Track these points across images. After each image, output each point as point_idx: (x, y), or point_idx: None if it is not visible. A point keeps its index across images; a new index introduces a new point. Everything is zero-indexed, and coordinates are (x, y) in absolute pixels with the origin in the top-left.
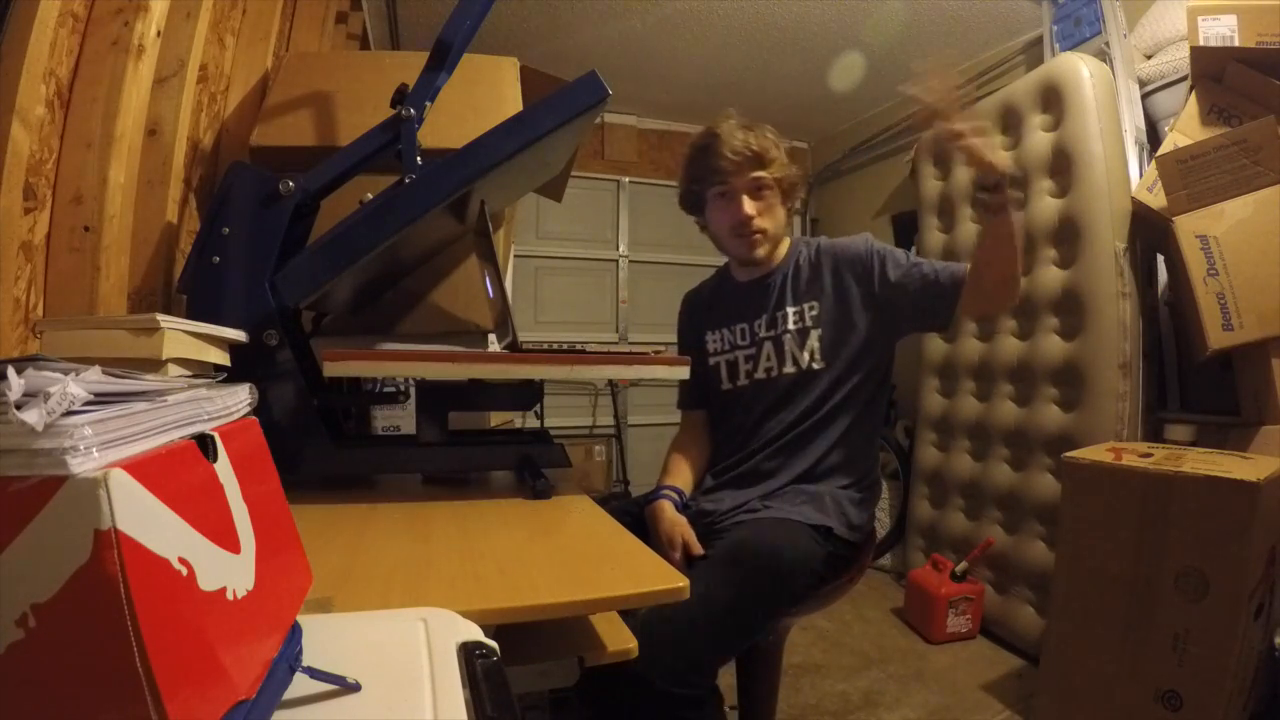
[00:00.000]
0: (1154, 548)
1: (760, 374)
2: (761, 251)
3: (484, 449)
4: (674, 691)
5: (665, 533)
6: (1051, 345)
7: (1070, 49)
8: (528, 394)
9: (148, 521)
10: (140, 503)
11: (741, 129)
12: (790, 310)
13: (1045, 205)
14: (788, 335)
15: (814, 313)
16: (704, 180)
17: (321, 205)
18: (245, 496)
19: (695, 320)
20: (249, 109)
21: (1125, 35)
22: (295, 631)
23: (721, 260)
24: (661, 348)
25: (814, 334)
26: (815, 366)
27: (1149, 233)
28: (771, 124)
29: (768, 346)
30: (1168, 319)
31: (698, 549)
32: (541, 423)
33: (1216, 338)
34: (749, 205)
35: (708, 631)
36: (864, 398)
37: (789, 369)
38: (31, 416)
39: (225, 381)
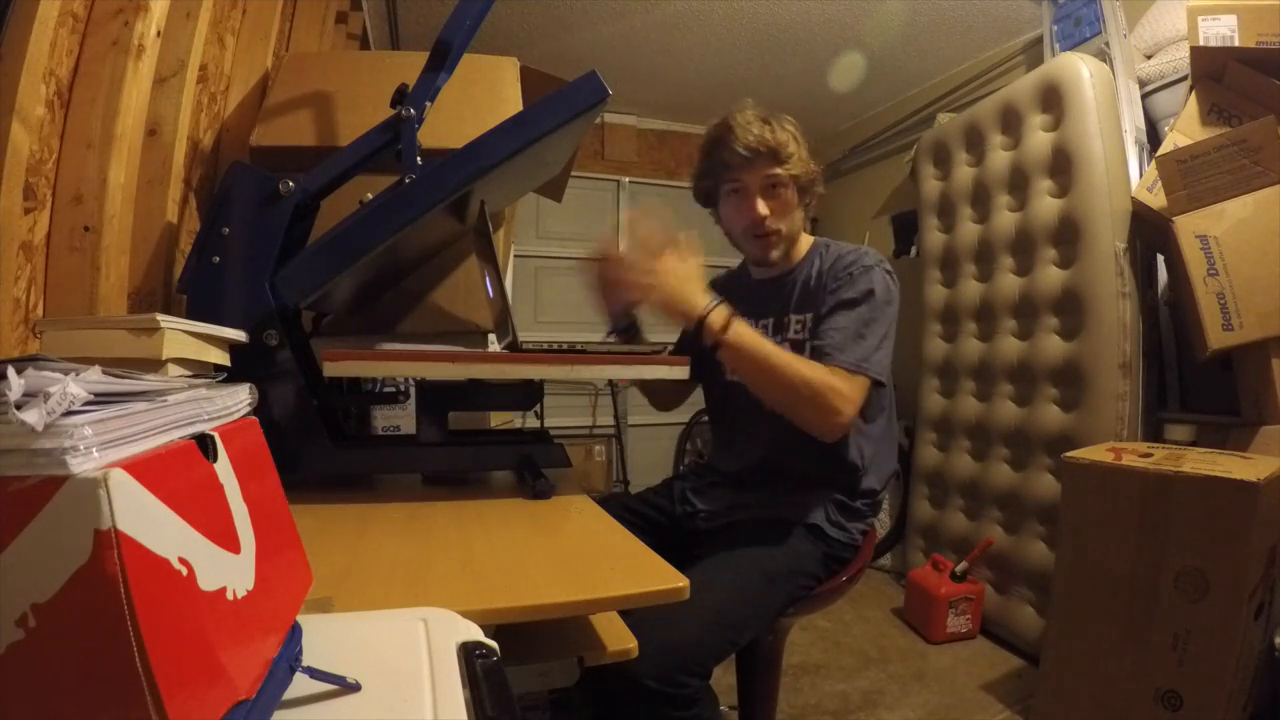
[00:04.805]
0: (1154, 548)
1: None
2: (776, 254)
3: (484, 449)
4: (664, 691)
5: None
6: (1051, 345)
7: (1070, 49)
8: (528, 394)
9: (148, 521)
10: (140, 503)
11: (759, 121)
12: (794, 318)
13: (1045, 205)
14: (785, 345)
15: (812, 324)
16: (717, 175)
17: (321, 205)
18: (245, 496)
19: None
20: (249, 109)
21: (1125, 35)
22: (295, 631)
23: (725, 260)
24: (661, 348)
25: (807, 347)
26: None
27: (1149, 233)
28: None
29: None
30: (1168, 319)
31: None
32: (541, 423)
33: (1216, 338)
34: (762, 206)
35: (699, 631)
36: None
37: None
38: (31, 416)
39: (225, 381)
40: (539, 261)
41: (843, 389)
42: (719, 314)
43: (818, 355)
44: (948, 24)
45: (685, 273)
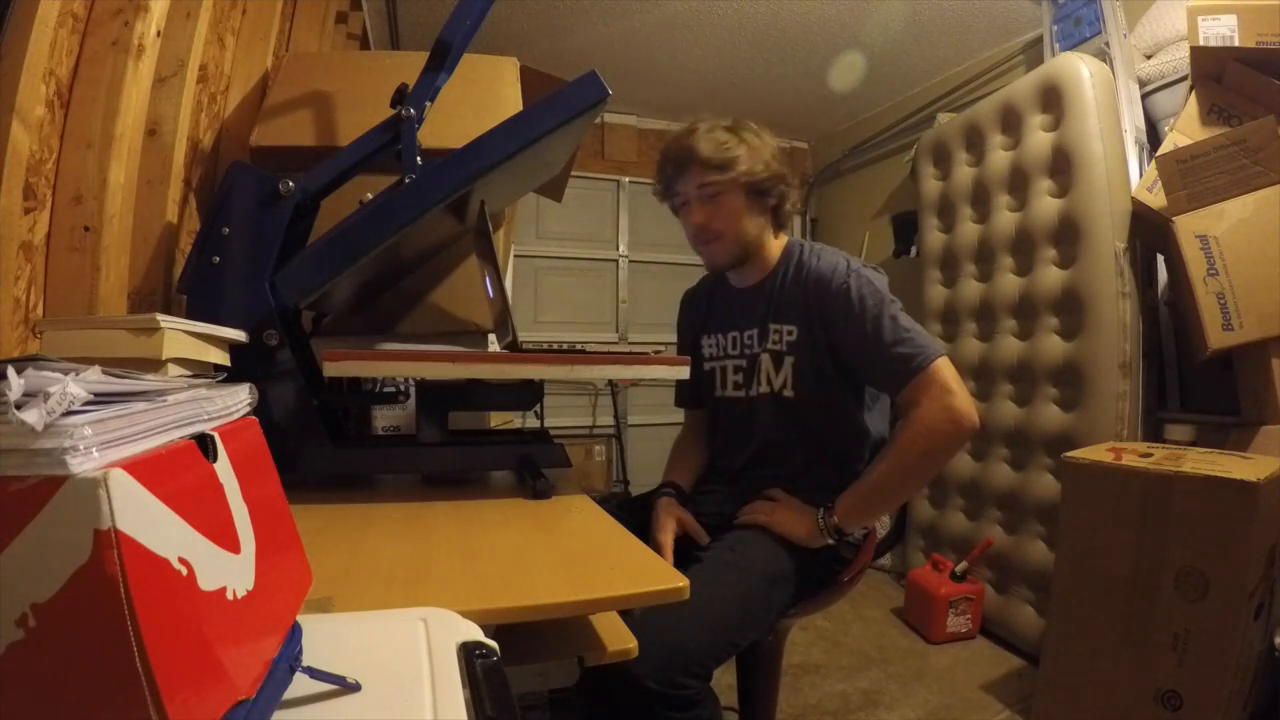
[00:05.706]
0: (1154, 548)
1: (753, 391)
2: (722, 260)
3: (484, 449)
4: (665, 692)
5: (659, 523)
6: (1051, 345)
7: (1070, 49)
8: (528, 394)
9: (148, 521)
10: (140, 502)
11: (691, 133)
12: (774, 327)
13: (1045, 205)
14: (766, 355)
15: (792, 338)
16: (666, 196)
17: (321, 205)
18: (245, 496)
19: (693, 319)
20: (249, 109)
21: (1125, 35)
22: (295, 631)
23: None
24: (661, 348)
25: (788, 361)
26: (786, 395)
27: (1149, 233)
28: (771, 124)
29: (763, 360)
30: (1168, 319)
31: (701, 538)
32: (541, 423)
33: (1216, 338)
34: (697, 213)
35: (701, 633)
36: (847, 414)
37: (764, 389)
38: (31, 416)
39: (225, 381)
40: (539, 261)
41: (932, 398)
42: (826, 522)
43: (890, 388)
44: (948, 24)
45: (791, 503)
